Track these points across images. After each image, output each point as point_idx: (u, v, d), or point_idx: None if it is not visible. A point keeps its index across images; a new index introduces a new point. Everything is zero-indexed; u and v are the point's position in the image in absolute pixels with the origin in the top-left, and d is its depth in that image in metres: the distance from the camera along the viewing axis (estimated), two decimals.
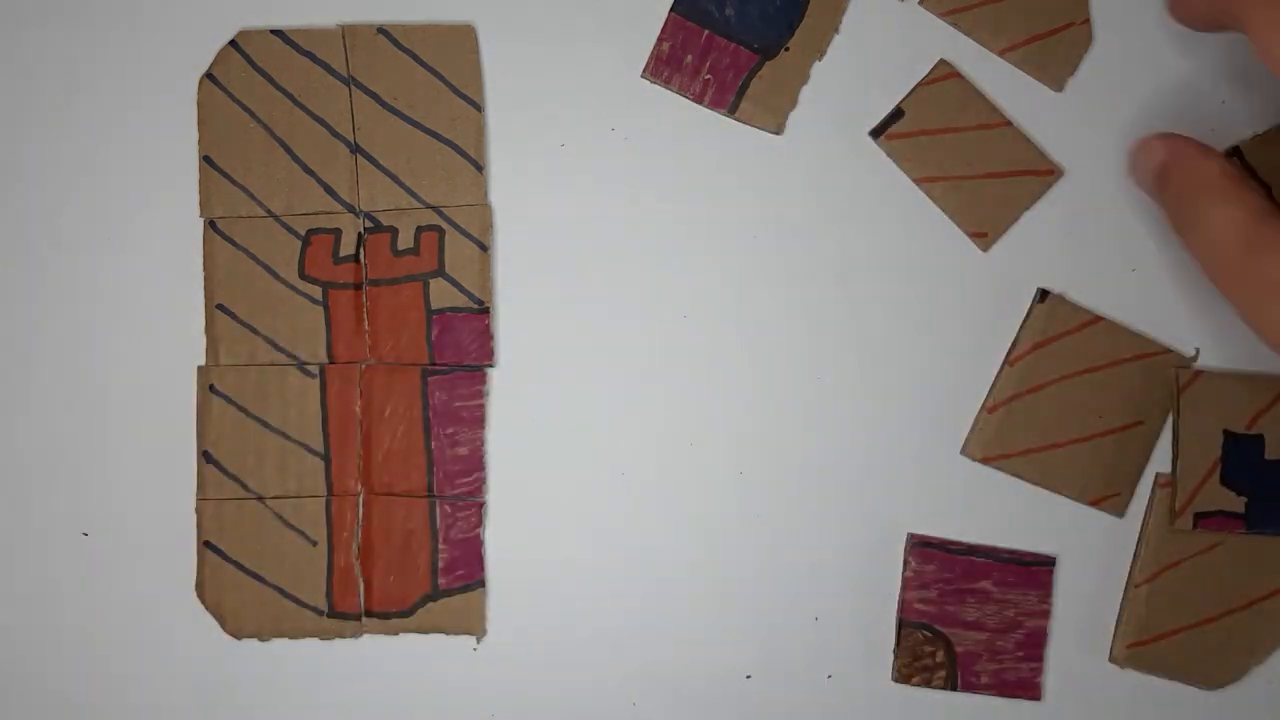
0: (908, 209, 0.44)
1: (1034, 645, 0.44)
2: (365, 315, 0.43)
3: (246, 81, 0.43)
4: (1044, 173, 0.44)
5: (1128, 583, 0.44)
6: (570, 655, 0.44)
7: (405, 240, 0.43)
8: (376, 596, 0.43)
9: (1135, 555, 0.44)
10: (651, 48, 0.44)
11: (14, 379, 0.44)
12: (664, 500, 0.44)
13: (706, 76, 0.44)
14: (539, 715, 0.44)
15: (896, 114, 0.44)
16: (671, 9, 0.44)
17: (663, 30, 0.44)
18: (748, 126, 0.44)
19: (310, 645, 0.43)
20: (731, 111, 0.44)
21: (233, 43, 0.43)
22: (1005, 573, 0.44)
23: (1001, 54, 0.44)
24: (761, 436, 0.44)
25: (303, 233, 0.43)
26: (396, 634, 0.43)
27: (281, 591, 0.43)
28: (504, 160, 0.44)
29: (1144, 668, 0.44)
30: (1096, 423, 0.44)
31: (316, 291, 0.43)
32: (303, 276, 0.43)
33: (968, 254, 0.44)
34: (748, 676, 0.44)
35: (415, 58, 0.43)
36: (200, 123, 0.43)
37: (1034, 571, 0.44)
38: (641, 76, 0.44)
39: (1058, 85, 0.44)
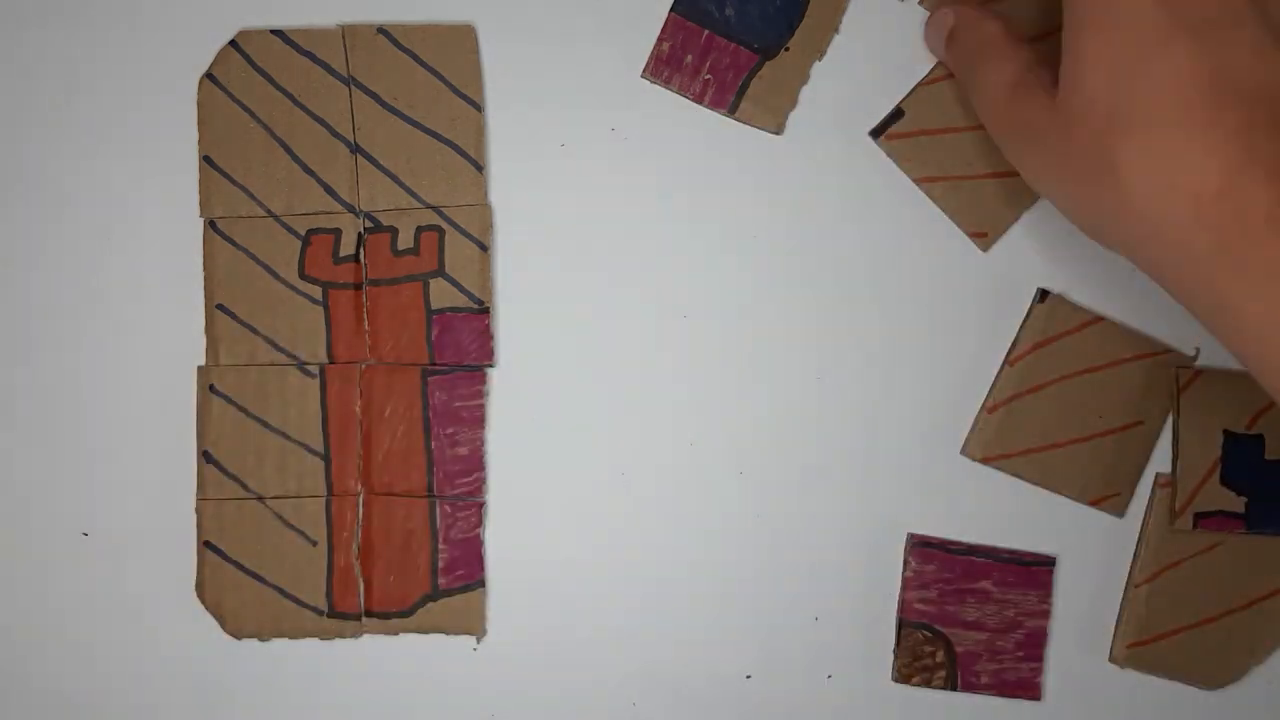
0: (908, 209, 0.44)
1: (1034, 645, 0.44)
2: (365, 315, 0.43)
3: (246, 81, 0.43)
4: None
5: (1128, 583, 0.44)
6: (570, 655, 0.44)
7: (405, 240, 0.43)
8: (376, 596, 0.43)
9: (1135, 555, 0.44)
10: (651, 48, 0.44)
11: (14, 379, 0.43)
12: (664, 500, 0.44)
13: (706, 76, 0.44)
14: (539, 715, 0.44)
15: (896, 114, 0.44)
16: (671, 9, 0.44)
17: (663, 30, 0.44)
18: (748, 126, 0.44)
19: (310, 645, 0.43)
20: (731, 111, 0.44)
21: (233, 43, 0.43)
22: (1005, 573, 0.44)
23: None
24: (761, 436, 0.44)
25: (303, 233, 0.43)
26: (396, 634, 0.43)
27: (281, 591, 0.43)
28: (504, 160, 0.44)
29: (1144, 668, 0.44)
30: (1096, 423, 0.44)
31: (316, 291, 0.43)
32: (303, 276, 0.43)
33: (968, 254, 0.44)
34: (748, 676, 0.44)
35: (415, 58, 0.43)
36: (200, 123, 0.43)
37: (1034, 571, 0.44)
38: (641, 76, 0.44)
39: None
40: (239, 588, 0.43)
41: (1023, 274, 0.44)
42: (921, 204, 0.44)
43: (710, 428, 0.44)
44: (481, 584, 0.43)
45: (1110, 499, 0.44)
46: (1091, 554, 0.44)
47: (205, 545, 0.43)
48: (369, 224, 0.43)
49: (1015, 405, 0.44)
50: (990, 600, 0.44)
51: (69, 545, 0.44)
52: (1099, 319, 0.44)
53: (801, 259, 0.44)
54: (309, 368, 0.43)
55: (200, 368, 0.43)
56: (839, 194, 0.44)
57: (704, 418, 0.44)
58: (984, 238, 0.44)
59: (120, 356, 0.43)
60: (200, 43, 0.43)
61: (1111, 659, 0.44)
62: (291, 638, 0.43)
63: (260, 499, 0.43)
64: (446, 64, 0.43)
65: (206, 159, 0.43)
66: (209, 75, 0.43)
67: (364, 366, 0.43)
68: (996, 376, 0.44)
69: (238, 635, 0.43)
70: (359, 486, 0.43)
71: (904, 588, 0.44)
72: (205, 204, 0.43)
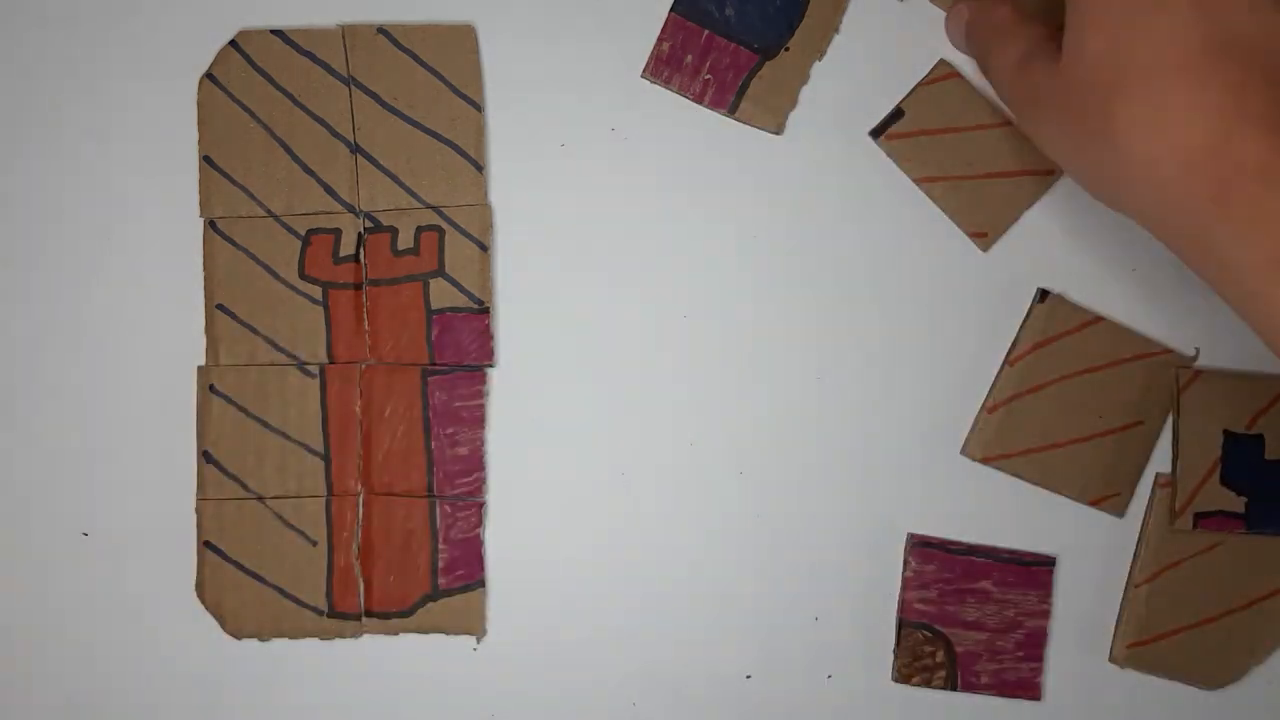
0: (908, 209, 0.44)
1: (1034, 645, 0.44)
2: (365, 315, 0.43)
3: (246, 81, 0.43)
4: (1044, 173, 0.44)
5: (1128, 583, 0.44)
6: (570, 655, 0.44)
7: (405, 240, 0.43)
8: (376, 596, 0.43)
9: (1135, 555, 0.44)
10: (651, 48, 0.44)
11: (14, 379, 0.43)
12: (664, 500, 0.44)
13: (706, 76, 0.44)
14: (539, 715, 0.44)
15: (896, 114, 0.44)
16: (671, 9, 0.44)
17: (663, 30, 0.44)
18: (748, 126, 0.44)
19: (310, 645, 0.43)
20: (731, 111, 0.44)
21: (233, 43, 0.43)
22: (1005, 573, 0.44)
23: None
24: (761, 436, 0.44)
25: (303, 233, 0.43)
26: (396, 634, 0.43)
27: (281, 591, 0.43)
28: (504, 160, 0.44)
29: (1144, 668, 0.44)
30: (1096, 423, 0.44)
31: (316, 291, 0.43)
32: (303, 276, 0.43)
33: (968, 254, 0.44)
34: (748, 676, 0.44)
35: (415, 58, 0.43)
36: (200, 123, 0.43)
37: (1034, 571, 0.44)
38: (641, 76, 0.44)
39: None
40: (239, 588, 0.43)
41: (1023, 274, 0.44)
42: (921, 204, 0.44)
43: (710, 428, 0.44)
44: (481, 584, 0.43)
45: (1110, 499, 0.44)
46: (1091, 554, 0.44)
47: (205, 545, 0.43)
48: (369, 224, 0.43)
49: (1015, 405, 0.44)
50: (990, 600, 0.44)
51: (69, 545, 0.44)
52: (1099, 319, 0.44)
53: (801, 259, 0.44)
54: (309, 368, 0.43)
55: (200, 368, 0.43)
56: (839, 194, 0.44)
57: (704, 418, 0.44)
58: (984, 238, 0.44)
59: (120, 356, 0.43)
60: (200, 43, 0.43)
61: (1111, 659, 0.44)
62: (291, 638, 0.43)
63: (260, 499, 0.43)
64: (446, 64, 0.43)
65: (206, 159, 0.43)
66: (209, 75, 0.43)
67: (364, 366, 0.43)
68: (996, 376, 0.44)
69: (238, 635, 0.43)
70: (359, 486, 0.43)
71: (904, 588, 0.44)
72: (205, 204, 0.43)
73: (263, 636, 0.43)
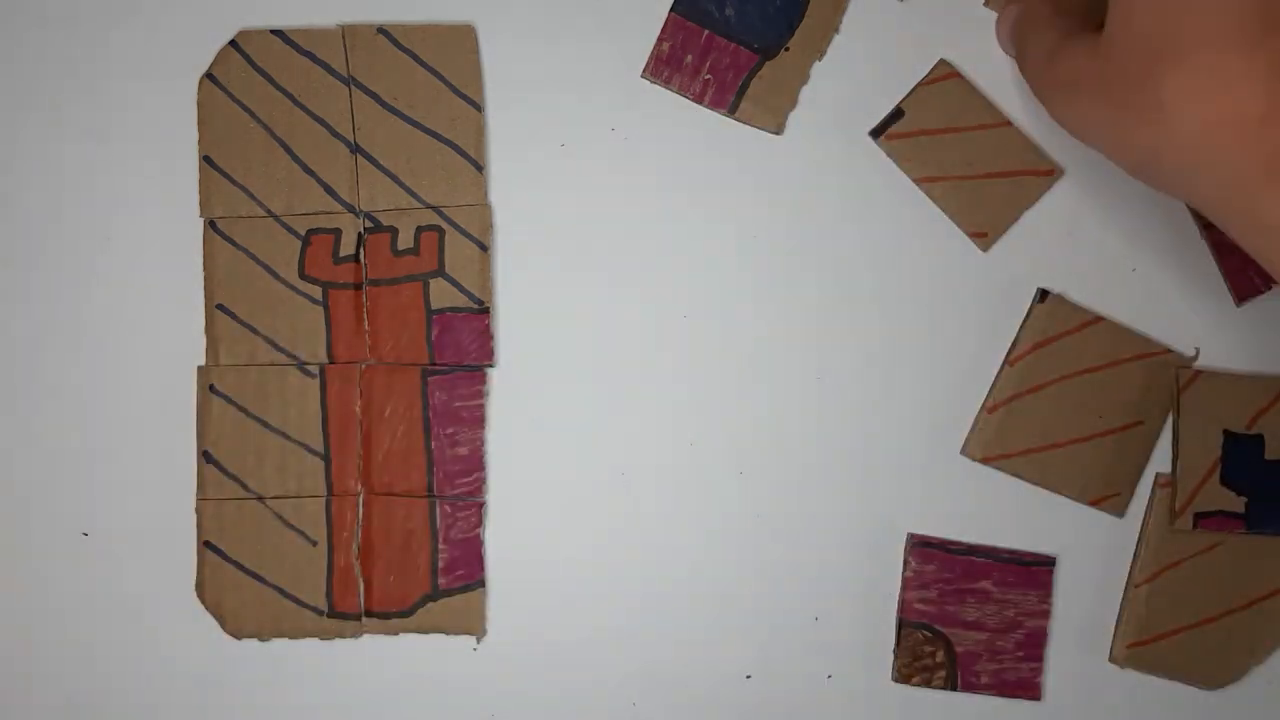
0: (908, 209, 0.44)
1: (1034, 645, 0.44)
2: (365, 315, 0.43)
3: (246, 81, 0.43)
4: (1044, 173, 0.44)
5: (1128, 583, 0.44)
6: (570, 655, 0.44)
7: (405, 240, 0.43)
8: (376, 596, 0.43)
9: (1135, 555, 0.44)
10: (651, 48, 0.44)
11: (14, 378, 0.44)
12: (664, 500, 0.44)
13: (706, 76, 0.44)
14: (539, 715, 0.44)
15: (896, 114, 0.44)
16: (671, 9, 0.44)
17: (663, 30, 0.44)
18: (748, 126, 0.44)
19: (310, 645, 0.43)
20: (731, 111, 0.44)
21: (233, 43, 0.43)
22: (1005, 573, 0.44)
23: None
24: (761, 436, 0.44)
25: (303, 233, 0.43)
26: (396, 634, 0.43)
27: (281, 591, 0.43)
28: (504, 160, 0.44)
29: (1144, 668, 0.44)
30: (1096, 423, 0.44)
31: (316, 291, 0.43)
32: (303, 276, 0.43)
33: (968, 254, 0.44)
34: (748, 676, 0.44)
35: (415, 58, 0.43)
36: (200, 123, 0.43)
37: (1034, 571, 0.44)
38: (641, 76, 0.44)
39: None
40: (239, 588, 0.43)
41: (1023, 274, 0.44)
42: (921, 204, 0.44)
43: (710, 428, 0.44)
44: (481, 584, 0.43)
45: (1110, 499, 0.44)
46: (1091, 554, 0.44)
47: (205, 545, 0.43)
48: (369, 224, 0.43)
49: (1015, 405, 0.43)
50: (990, 600, 0.44)
51: (69, 545, 0.44)
52: (1099, 319, 0.44)
53: (801, 259, 0.44)
54: (309, 368, 0.43)
55: (200, 368, 0.43)
56: (839, 194, 0.44)
57: (704, 418, 0.44)
58: (984, 238, 0.44)
59: (120, 356, 0.43)
60: (200, 43, 0.43)
61: (1111, 659, 0.44)
62: (291, 638, 0.43)
63: (260, 499, 0.43)
64: (446, 64, 0.43)
65: (206, 159, 0.43)
66: (209, 75, 0.43)
67: (364, 366, 0.43)
68: (996, 376, 0.44)
69: (238, 635, 0.43)
70: (359, 486, 0.43)
71: (904, 588, 0.44)
72: (205, 204, 0.43)
73: (263, 636, 0.43)
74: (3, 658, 0.44)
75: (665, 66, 0.44)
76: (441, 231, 0.43)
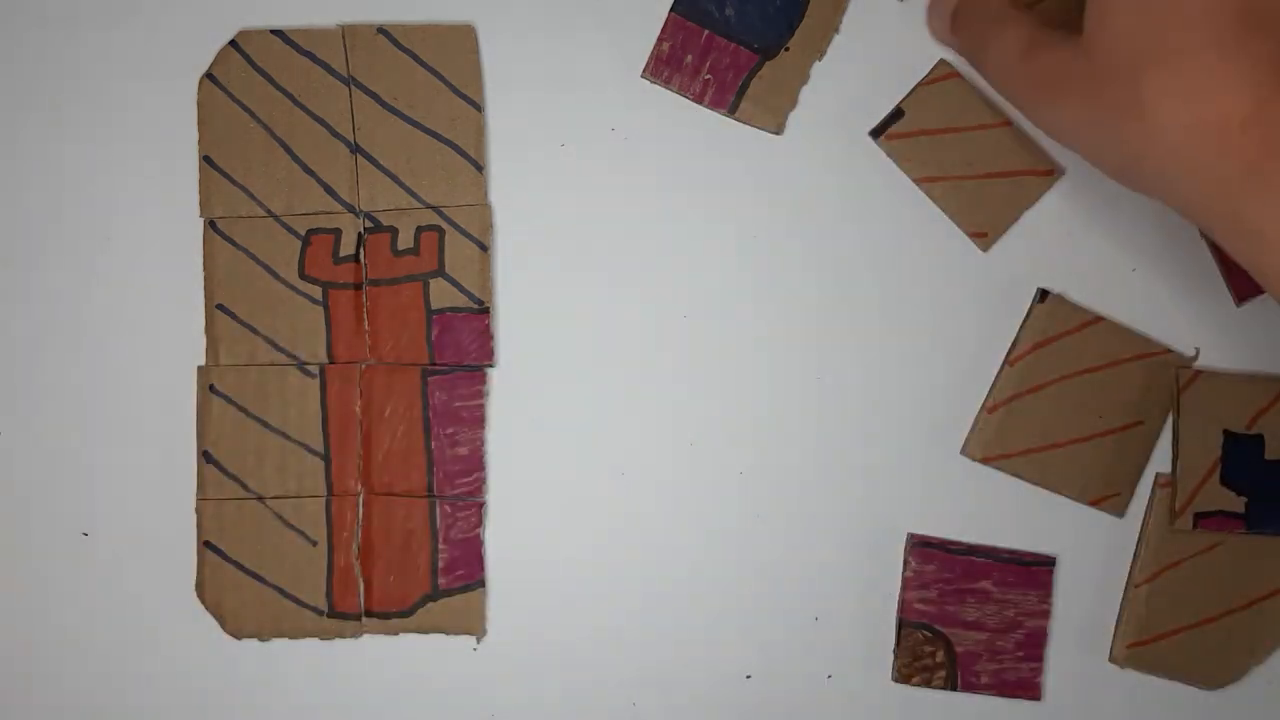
0: (908, 209, 0.44)
1: (1034, 645, 0.44)
2: (365, 315, 0.43)
3: (246, 81, 0.43)
4: (1044, 173, 0.44)
5: (1128, 583, 0.44)
6: (570, 655, 0.44)
7: (405, 240, 0.43)
8: (376, 596, 0.43)
9: (1135, 555, 0.44)
10: (651, 48, 0.44)
11: (14, 379, 0.44)
12: (664, 500, 0.44)
13: (706, 76, 0.44)
14: (539, 715, 0.44)
15: (896, 114, 0.44)
16: (671, 9, 0.44)
17: (663, 30, 0.44)
18: (748, 126, 0.44)
19: (310, 645, 0.43)
20: (731, 111, 0.44)
21: (233, 43, 0.43)
22: (1005, 573, 0.44)
23: None
24: (761, 436, 0.44)
25: (303, 233, 0.43)
26: (396, 634, 0.43)
27: (281, 591, 0.43)
28: (504, 160, 0.44)
29: (1144, 668, 0.44)
30: (1096, 423, 0.44)
31: (316, 291, 0.43)
32: (303, 276, 0.43)
33: (968, 254, 0.44)
34: (748, 676, 0.44)
35: (415, 58, 0.43)
36: (200, 123, 0.43)
37: (1034, 571, 0.44)
38: (641, 76, 0.44)
39: None
40: (239, 588, 0.43)
41: (1023, 274, 0.44)
42: (921, 204, 0.44)
43: (710, 428, 0.44)
44: (481, 584, 0.43)
45: (1110, 499, 0.44)
46: (1091, 554, 0.44)
47: (205, 545, 0.43)
48: (369, 224, 0.43)
49: (1015, 405, 0.43)
50: (990, 600, 0.44)
51: (69, 545, 0.44)
52: (1099, 319, 0.44)
53: (801, 259, 0.44)
54: (309, 368, 0.43)
55: (200, 368, 0.43)
56: (839, 194, 0.44)
57: (704, 418, 0.44)
58: (984, 238, 0.44)
59: (120, 356, 0.43)
60: (200, 43, 0.43)
61: (1111, 659, 0.44)
62: (291, 638, 0.43)
63: (260, 499, 0.43)
64: (446, 64, 0.43)
65: (206, 159, 0.43)
66: (209, 75, 0.43)
67: (364, 366, 0.43)
68: (996, 376, 0.44)
69: (238, 635, 0.43)
70: (359, 486, 0.43)
71: (904, 588, 0.44)
72: (205, 204, 0.43)
73: (263, 636, 0.43)
74: (3, 658, 0.44)
75: (665, 66, 0.44)
76: (441, 231, 0.43)
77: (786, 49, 0.44)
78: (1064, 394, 0.43)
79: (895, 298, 0.44)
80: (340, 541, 0.43)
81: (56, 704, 0.44)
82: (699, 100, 0.44)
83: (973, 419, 0.44)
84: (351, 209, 0.43)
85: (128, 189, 0.44)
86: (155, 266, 0.43)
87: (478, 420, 0.43)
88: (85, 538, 0.44)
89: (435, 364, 0.43)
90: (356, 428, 0.43)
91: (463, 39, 0.43)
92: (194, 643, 0.43)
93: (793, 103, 0.44)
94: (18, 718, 0.44)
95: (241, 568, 0.43)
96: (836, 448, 0.44)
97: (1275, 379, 0.44)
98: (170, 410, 0.43)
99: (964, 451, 0.44)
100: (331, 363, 0.43)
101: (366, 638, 0.43)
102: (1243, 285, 0.44)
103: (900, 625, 0.44)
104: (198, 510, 0.43)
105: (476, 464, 0.43)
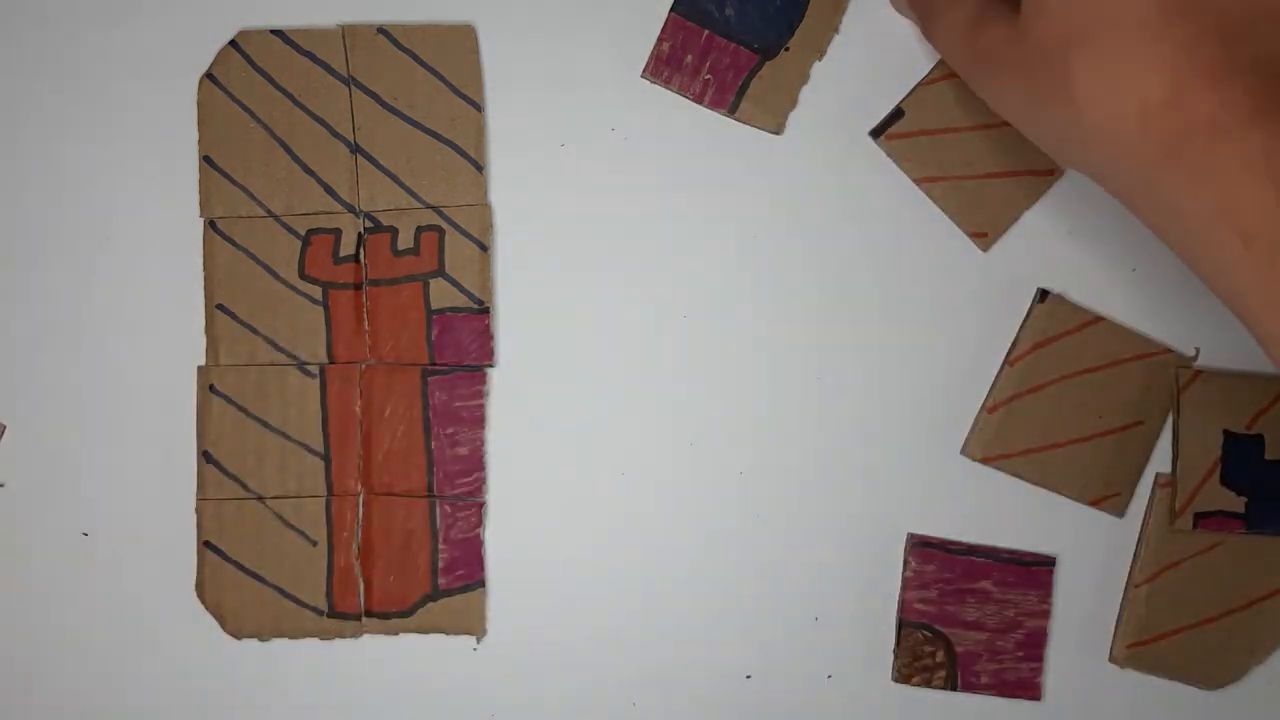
0: (908, 209, 0.44)
1: (1034, 645, 0.44)
2: (365, 315, 0.43)
3: (246, 81, 0.43)
4: (1044, 173, 0.44)
5: (1128, 583, 0.44)
6: (570, 655, 0.44)
7: (405, 240, 0.43)
8: (376, 596, 0.43)
9: (1135, 555, 0.44)
10: (651, 48, 0.44)
11: (14, 379, 0.43)
12: (664, 500, 0.44)
13: (706, 76, 0.44)
14: (539, 715, 0.44)
15: (896, 114, 0.44)
16: (671, 9, 0.44)
17: (663, 30, 0.44)
18: (748, 126, 0.44)
19: (310, 645, 0.43)
20: (731, 111, 0.44)
21: (233, 43, 0.43)
22: (1005, 573, 0.44)
23: None
24: (761, 436, 0.44)
25: (303, 233, 0.43)
26: (396, 634, 0.43)
27: (281, 591, 0.43)
28: (504, 160, 0.44)
29: (1144, 668, 0.44)
30: (1096, 423, 0.44)
31: (316, 291, 0.43)
32: (303, 276, 0.43)
33: (968, 254, 0.44)
34: (748, 676, 0.44)
35: (415, 58, 0.43)
36: (200, 123, 0.43)
37: (1034, 571, 0.44)
38: (641, 76, 0.44)
39: None
40: (239, 588, 0.43)
41: (1023, 274, 0.44)
42: (921, 204, 0.44)
43: (710, 428, 0.44)
44: (481, 584, 0.43)
45: (1110, 499, 0.44)
46: (1091, 554, 0.44)
47: (205, 545, 0.43)
48: (369, 224, 0.43)
49: (1015, 405, 0.44)
50: (990, 600, 0.44)
51: (69, 545, 0.44)
52: (1099, 319, 0.44)
53: (801, 259, 0.44)
54: (309, 368, 0.43)
55: (200, 368, 0.43)
56: (839, 194, 0.44)
57: (704, 418, 0.44)
58: (984, 238, 0.44)
59: (120, 356, 0.43)
60: (200, 43, 0.43)
61: (1111, 659, 0.44)
62: (291, 638, 0.43)
63: (260, 499, 0.43)
64: (446, 64, 0.43)
65: (206, 159, 0.43)
66: (209, 75, 0.43)
67: (364, 366, 0.43)
68: (996, 376, 0.44)
69: (238, 635, 0.43)
70: (359, 486, 0.43)
71: (904, 588, 0.44)
72: (205, 204, 0.43)
73: (263, 636, 0.43)
74: (3, 658, 0.44)
75: (665, 66, 0.44)
76: (441, 231, 0.43)
77: (786, 49, 0.44)
78: (1064, 394, 0.43)
79: (895, 298, 0.44)
80: (340, 541, 0.43)
81: (56, 704, 0.44)
82: (699, 100, 0.44)
83: (973, 419, 0.44)
84: (351, 209, 0.43)
85: (128, 189, 0.44)
86: (155, 266, 0.43)
87: (478, 420, 0.43)
88: (85, 538, 0.44)
89: (435, 364, 0.43)
90: (356, 428, 0.43)
91: (463, 39, 0.43)
92: (194, 643, 0.43)
93: (793, 103, 0.44)
94: (18, 718, 0.44)
95: (241, 568, 0.43)
96: (836, 448, 0.44)
97: (1275, 379, 0.44)
98: (170, 410, 0.43)
99: (964, 451, 0.44)
100: (331, 363, 0.43)
101: (366, 638, 0.43)
102: None
103: (900, 625, 0.44)
104: (198, 510, 0.43)
105: (476, 464, 0.43)
